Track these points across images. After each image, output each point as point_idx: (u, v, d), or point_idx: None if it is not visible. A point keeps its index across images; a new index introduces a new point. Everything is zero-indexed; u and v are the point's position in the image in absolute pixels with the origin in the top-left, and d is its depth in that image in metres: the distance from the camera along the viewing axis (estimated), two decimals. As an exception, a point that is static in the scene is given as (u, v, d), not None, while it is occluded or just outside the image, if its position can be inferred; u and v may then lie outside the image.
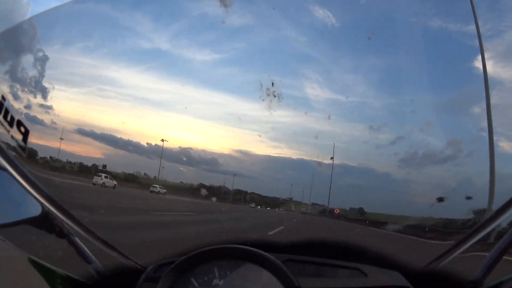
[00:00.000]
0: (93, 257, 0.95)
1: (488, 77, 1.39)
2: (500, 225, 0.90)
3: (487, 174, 1.20)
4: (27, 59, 1.31)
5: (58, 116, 1.47)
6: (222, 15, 1.25)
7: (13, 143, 1.01)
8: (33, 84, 1.33)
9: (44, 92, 1.38)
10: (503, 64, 1.55)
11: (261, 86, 1.20)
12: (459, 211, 1.22)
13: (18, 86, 1.30)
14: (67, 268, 0.93)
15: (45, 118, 1.39)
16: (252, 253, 0.89)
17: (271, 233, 2.61)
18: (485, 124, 1.36)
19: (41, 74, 1.33)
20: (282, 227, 3.31)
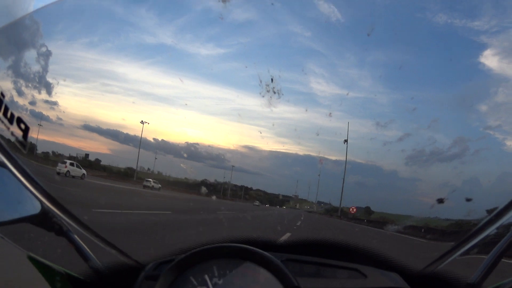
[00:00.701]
0: (92, 255, 0.95)
1: (493, 73, 1.37)
2: (499, 228, 0.90)
3: (494, 173, 1.19)
4: (30, 55, 1.29)
5: (64, 112, 1.46)
6: (222, 10, 1.24)
7: (13, 140, 1.00)
8: (37, 80, 1.33)
9: (48, 88, 1.37)
10: (509, 60, 1.53)
11: (260, 82, 1.19)
12: (464, 212, 1.21)
13: (21, 81, 1.29)
14: (66, 265, 0.93)
15: (51, 114, 1.39)
16: (252, 252, 0.89)
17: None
18: (491, 122, 1.34)
19: (45, 70, 1.33)
20: (289, 233, 3.24)
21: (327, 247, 1.09)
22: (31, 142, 1.07)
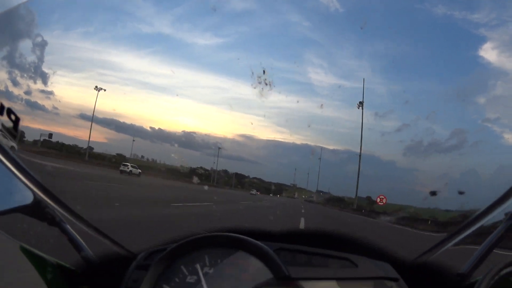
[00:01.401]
0: (85, 245, 0.95)
1: (493, 67, 1.35)
2: (492, 220, 0.89)
3: (491, 165, 1.18)
4: (26, 45, 1.28)
5: (60, 101, 1.45)
6: (218, 1, 1.22)
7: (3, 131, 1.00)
8: (33, 70, 1.31)
9: (44, 78, 1.36)
10: (508, 54, 1.51)
11: (252, 73, 1.18)
12: (460, 204, 1.21)
13: (16, 71, 1.27)
14: (58, 256, 0.93)
15: (46, 103, 1.38)
16: (243, 241, 0.89)
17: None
18: (490, 115, 1.33)
19: (41, 60, 1.31)
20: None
21: (320, 236, 1.09)
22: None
